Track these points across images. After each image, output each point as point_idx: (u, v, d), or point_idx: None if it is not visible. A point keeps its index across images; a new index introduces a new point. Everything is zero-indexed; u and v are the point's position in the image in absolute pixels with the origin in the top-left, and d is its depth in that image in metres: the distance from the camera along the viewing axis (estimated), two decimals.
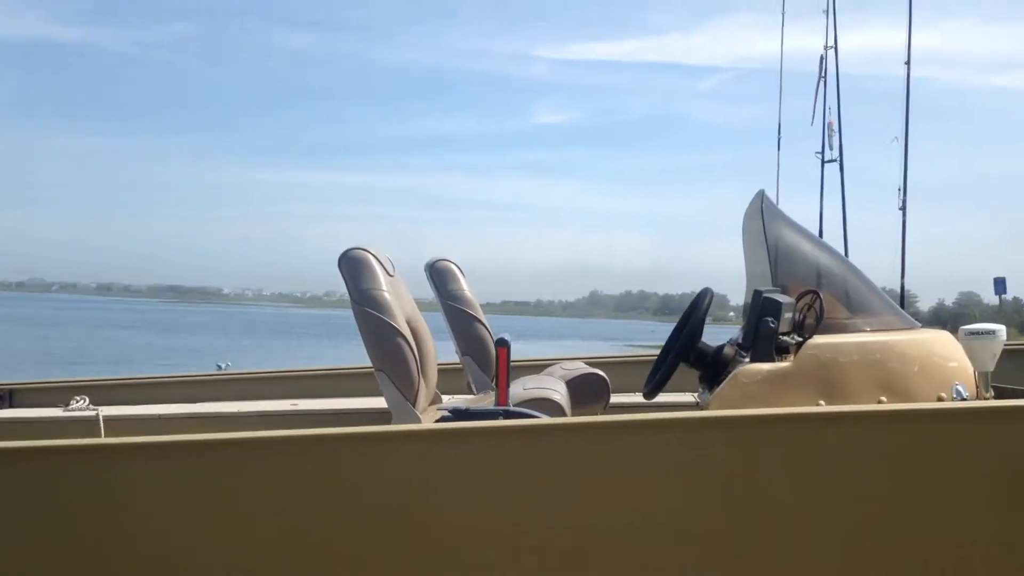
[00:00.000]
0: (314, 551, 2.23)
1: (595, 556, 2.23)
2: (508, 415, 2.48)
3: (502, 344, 2.55)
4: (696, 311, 2.83)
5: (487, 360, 3.53)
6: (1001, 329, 2.66)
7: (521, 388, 2.92)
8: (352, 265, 2.86)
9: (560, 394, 2.90)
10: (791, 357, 2.61)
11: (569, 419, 2.41)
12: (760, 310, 2.60)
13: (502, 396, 2.53)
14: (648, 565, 2.22)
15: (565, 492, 2.22)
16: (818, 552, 2.21)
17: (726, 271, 3.16)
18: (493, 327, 3.67)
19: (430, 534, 2.24)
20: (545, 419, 2.38)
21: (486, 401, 3.04)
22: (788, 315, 2.66)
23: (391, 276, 2.97)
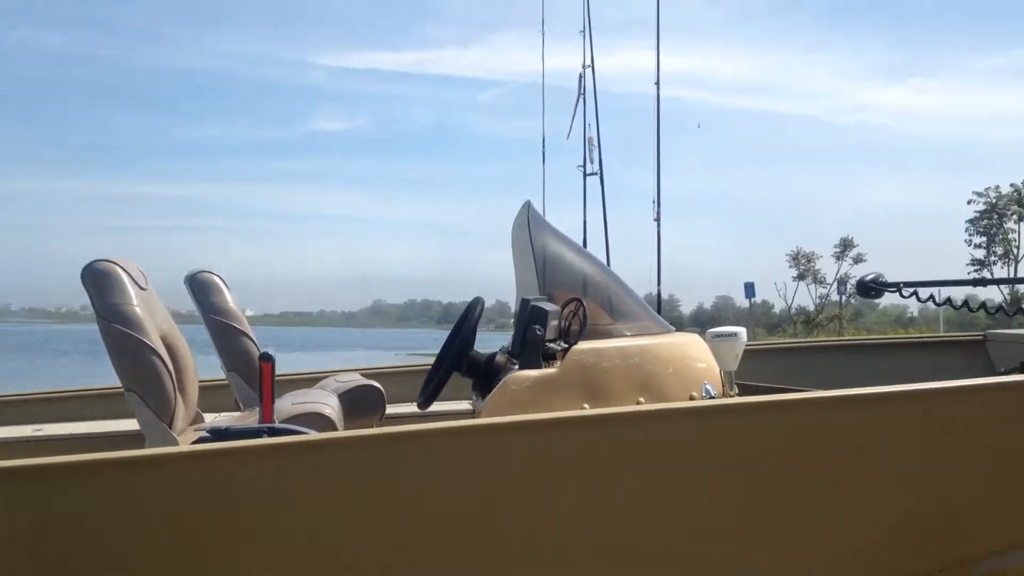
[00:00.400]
0: None
1: (367, 571, 2.18)
2: (273, 432, 2.37)
3: (265, 359, 2.44)
4: (468, 320, 2.86)
5: (254, 375, 3.38)
6: (742, 331, 2.88)
7: (290, 403, 2.82)
8: (98, 278, 2.64)
9: (331, 408, 2.82)
10: (558, 363, 2.69)
11: (337, 433, 2.34)
12: (528, 318, 2.66)
13: (266, 412, 2.42)
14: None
15: (336, 509, 2.15)
16: (587, 551, 2.28)
17: (507, 279, 3.23)
18: (271, 339, 3.54)
19: (186, 562, 2.10)
20: (313, 435, 2.30)
21: (251, 419, 2.90)
22: (554, 322, 2.74)
23: (143, 289, 2.77)
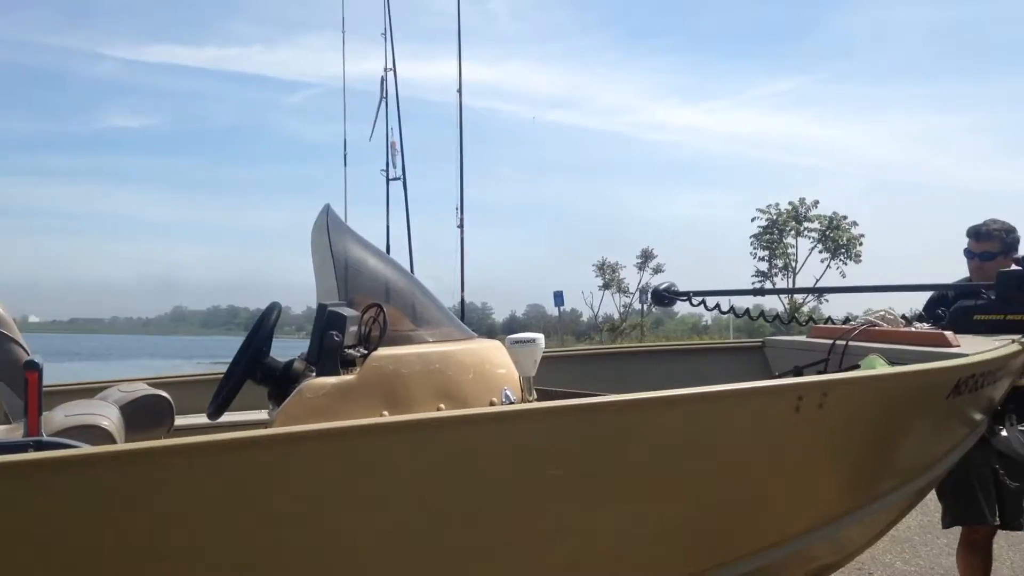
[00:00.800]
0: None
1: None
2: (40, 446, 2.17)
3: (31, 367, 2.24)
4: (263, 326, 2.76)
5: (24, 385, 3.10)
6: (540, 338, 2.94)
7: (62, 415, 2.61)
8: None
9: (109, 419, 2.63)
10: (357, 370, 2.64)
11: (111, 447, 2.17)
12: (325, 324, 2.60)
13: (32, 425, 2.22)
14: None
15: (110, 530, 1.99)
16: (385, 560, 2.23)
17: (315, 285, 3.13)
18: (57, 348, 3.26)
19: None
20: (84, 448, 2.13)
21: (18, 432, 2.65)
22: (353, 328, 2.69)
23: None
